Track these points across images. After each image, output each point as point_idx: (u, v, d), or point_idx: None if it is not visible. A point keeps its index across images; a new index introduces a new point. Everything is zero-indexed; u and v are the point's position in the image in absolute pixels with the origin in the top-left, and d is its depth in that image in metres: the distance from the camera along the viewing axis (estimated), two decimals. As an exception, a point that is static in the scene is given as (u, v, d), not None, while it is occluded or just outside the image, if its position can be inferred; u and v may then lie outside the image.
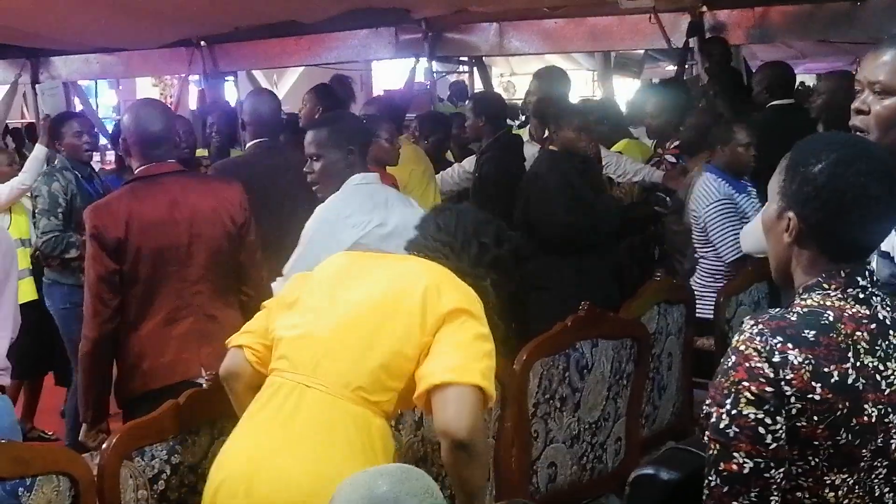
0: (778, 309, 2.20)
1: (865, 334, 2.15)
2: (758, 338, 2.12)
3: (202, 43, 10.62)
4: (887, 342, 2.17)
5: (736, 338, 2.17)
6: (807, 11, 8.13)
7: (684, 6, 8.35)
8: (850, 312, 2.16)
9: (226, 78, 11.53)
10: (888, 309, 2.20)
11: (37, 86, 11.94)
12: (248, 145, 5.87)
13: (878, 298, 2.20)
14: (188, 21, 9.75)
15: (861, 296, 2.18)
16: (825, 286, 2.19)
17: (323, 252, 4.40)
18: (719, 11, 8.43)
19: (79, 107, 12.24)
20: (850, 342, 2.13)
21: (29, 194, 7.01)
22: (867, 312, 2.17)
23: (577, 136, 6.07)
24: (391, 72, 15.78)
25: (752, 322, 2.17)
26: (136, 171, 4.51)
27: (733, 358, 2.14)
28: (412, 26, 9.58)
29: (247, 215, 4.64)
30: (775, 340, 2.11)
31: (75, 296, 5.99)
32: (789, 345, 2.10)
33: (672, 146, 7.01)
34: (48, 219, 6.62)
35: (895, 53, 2.75)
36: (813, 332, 2.12)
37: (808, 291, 2.21)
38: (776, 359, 2.09)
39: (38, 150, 7.31)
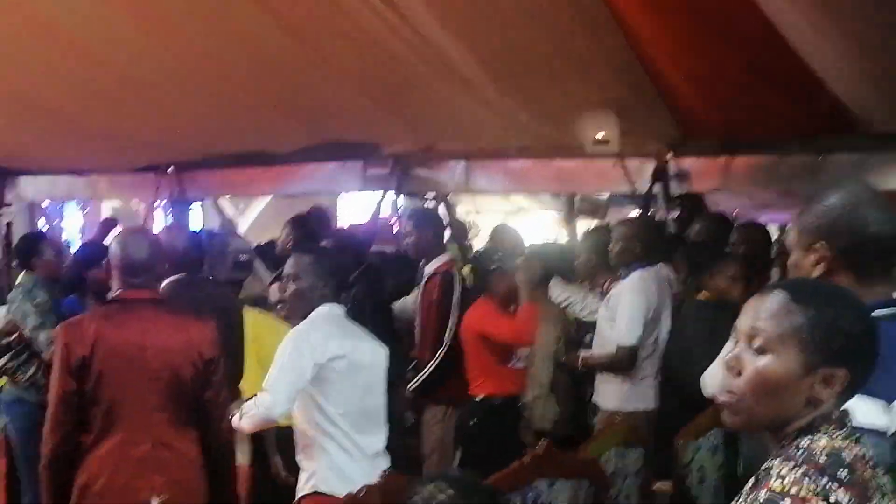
0: (799, 451, 2.19)
1: (876, 474, 2.18)
2: (806, 480, 2.11)
3: (170, 169, 10.61)
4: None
5: (776, 483, 2.14)
6: (772, 162, 8.22)
7: (650, 152, 8.44)
8: (858, 453, 2.19)
9: (191, 206, 11.50)
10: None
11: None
12: (164, 282, 5.86)
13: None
14: (156, 146, 9.79)
15: (856, 436, 2.22)
16: (824, 427, 2.22)
17: (295, 375, 4.56)
18: (684, 159, 8.52)
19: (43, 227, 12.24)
20: (869, 482, 2.15)
21: None
22: (867, 453, 2.21)
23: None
24: (357, 204, 15.85)
25: (789, 465, 2.16)
26: (112, 295, 4.57)
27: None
28: (380, 161, 9.64)
29: (216, 353, 4.68)
30: (823, 481, 2.10)
31: (37, 415, 5.90)
32: (834, 485, 2.10)
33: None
34: (48, 331, 6.60)
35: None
36: (846, 472, 2.12)
37: (808, 434, 2.22)
38: (832, 499, 2.08)
39: None
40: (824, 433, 2.20)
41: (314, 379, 4.80)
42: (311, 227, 7.64)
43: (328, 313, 4.97)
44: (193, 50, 6.86)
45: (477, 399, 7.18)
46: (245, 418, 4.81)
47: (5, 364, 6.93)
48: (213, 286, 6.87)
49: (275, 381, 4.77)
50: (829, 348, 2.20)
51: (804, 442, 2.20)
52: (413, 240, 7.42)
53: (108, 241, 6.40)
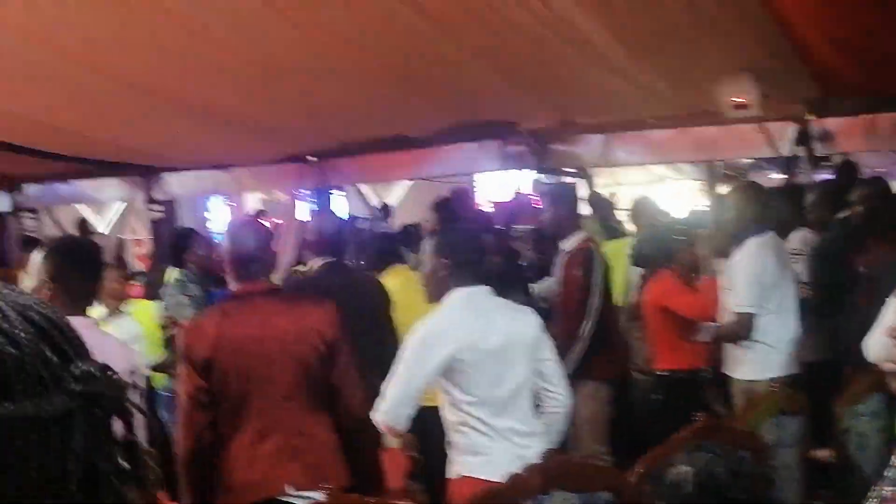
0: None
1: None
2: None
3: (311, 158, 10.75)
4: None
5: None
6: (918, 118, 8.05)
7: (790, 115, 8.31)
8: None
9: (332, 192, 11.64)
10: None
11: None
12: (311, 262, 5.97)
13: None
14: (298, 136, 9.94)
15: None
16: None
17: (417, 369, 4.54)
18: (826, 119, 8.37)
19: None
20: None
21: None
22: None
23: None
24: (496, 183, 15.88)
25: None
26: (231, 289, 4.62)
27: None
28: (518, 138, 9.64)
29: (338, 334, 4.67)
30: None
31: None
32: None
33: None
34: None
35: None
36: None
37: None
38: None
39: None
40: None
41: (446, 370, 4.73)
42: (453, 209, 7.66)
43: (465, 297, 4.86)
44: (331, 37, 6.94)
45: (659, 373, 7.20)
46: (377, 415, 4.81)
47: (165, 359, 7.12)
48: (358, 270, 6.96)
49: (391, 385, 4.72)
50: None
51: None
52: (549, 217, 7.35)
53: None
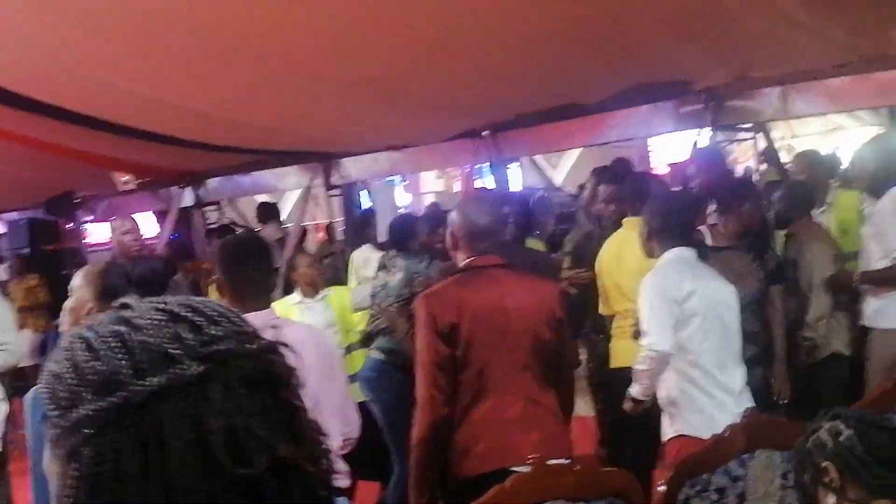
0: None
1: None
2: None
3: (485, 133, 10.79)
4: None
5: None
6: None
7: (976, 53, 8.04)
8: None
9: (508, 167, 11.67)
10: None
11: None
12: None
13: None
14: (471, 112, 10.00)
15: None
16: None
17: (666, 311, 4.69)
18: None
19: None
20: None
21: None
22: None
23: None
24: (669, 145, 15.73)
25: None
26: (462, 264, 4.68)
27: None
28: (693, 97, 9.52)
29: (564, 313, 4.78)
30: None
31: (404, 387, 6.11)
32: None
33: None
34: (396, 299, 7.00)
35: None
36: None
37: None
38: None
39: None
40: None
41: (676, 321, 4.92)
42: (616, 176, 7.65)
43: (676, 258, 5.06)
44: (496, 7, 6.96)
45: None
46: (639, 372, 4.96)
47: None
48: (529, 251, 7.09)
49: (649, 320, 4.91)
50: None
51: None
52: (701, 181, 7.31)
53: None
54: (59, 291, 7.99)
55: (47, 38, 7.42)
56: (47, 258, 14.01)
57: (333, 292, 7.83)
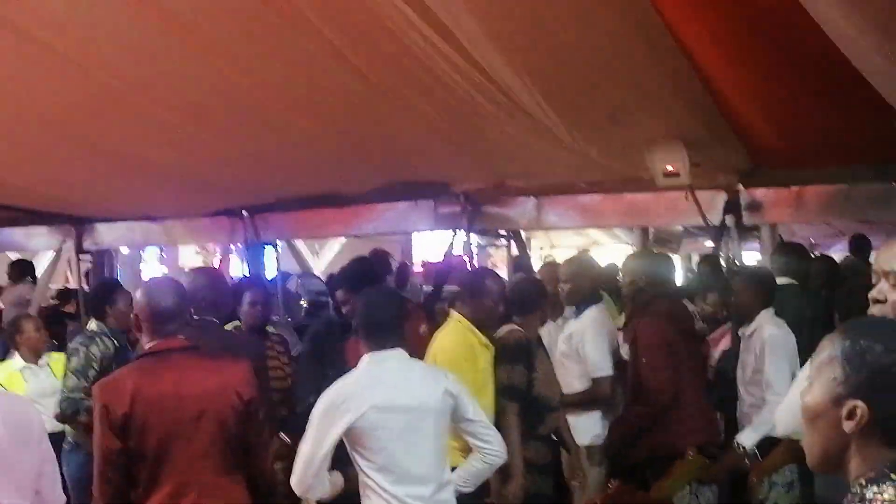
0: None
1: None
2: None
3: (244, 213, 10.72)
4: None
5: None
6: (842, 192, 8.17)
7: (721, 184, 8.41)
8: None
9: (265, 246, 11.59)
10: None
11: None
12: None
13: None
14: (231, 191, 9.91)
15: None
16: (893, 477, 2.13)
17: (322, 434, 4.53)
18: (755, 190, 8.48)
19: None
20: None
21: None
22: None
23: None
24: (432, 241, 15.90)
25: None
26: (145, 347, 4.56)
27: None
28: (451, 199, 9.68)
29: (254, 393, 4.66)
30: None
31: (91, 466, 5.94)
32: None
33: None
34: (77, 379, 6.68)
35: None
36: None
37: (876, 483, 2.14)
38: None
39: None
40: (891, 484, 2.15)
41: (351, 434, 4.71)
42: (372, 267, 7.64)
43: (374, 361, 4.86)
44: (265, 93, 6.94)
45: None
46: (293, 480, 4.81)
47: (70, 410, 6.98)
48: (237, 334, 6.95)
49: (300, 451, 4.73)
50: (854, 380, 2.17)
51: (870, 493, 2.16)
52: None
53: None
54: None
55: None
56: None
57: (56, 358, 7.55)
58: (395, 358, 4.88)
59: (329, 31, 5.71)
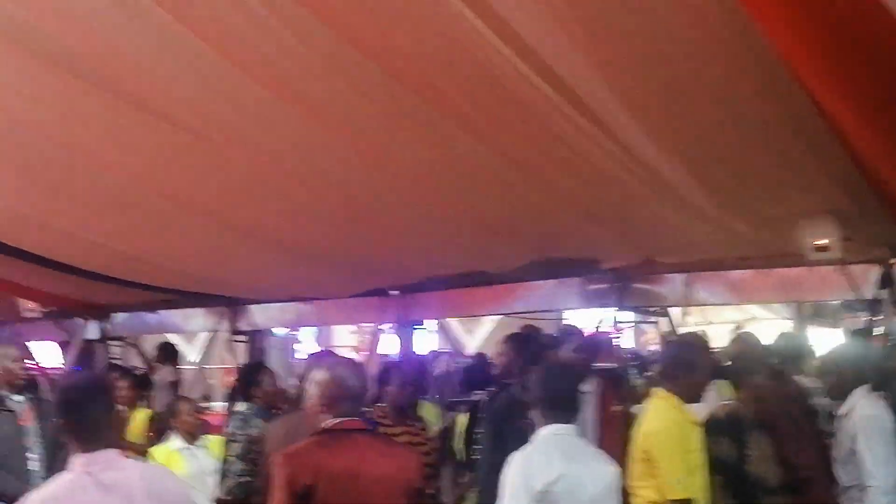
0: None
1: None
2: None
3: (395, 293, 10.84)
4: None
5: None
6: None
7: (873, 258, 8.23)
8: None
9: (416, 326, 11.69)
10: None
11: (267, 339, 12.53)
12: None
13: None
14: (381, 272, 10.05)
15: None
16: None
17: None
18: (910, 263, 8.28)
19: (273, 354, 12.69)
20: None
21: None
22: None
23: None
24: (583, 318, 15.80)
25: None
26: (324, 425, 4.63)
27: None
28: (600, 276, 9.65)
29: (423, 483, 4.75)
30: None
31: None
32: None
33: None
34: (243, 464, 6.82)
35: None
36: None
37: None
38: None
39: None
40: None
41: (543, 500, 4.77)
42: (525, 344, 7.65)
43: (550, 435, 4.94)
44: (414, 177, 7.06)
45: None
46: None
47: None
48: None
49: None
50: None
51: None
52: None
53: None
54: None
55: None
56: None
57: (213, 439, 7.71)
58: (573, 433, 5.00)
59: (472, 112, 5.81)
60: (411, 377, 7.57)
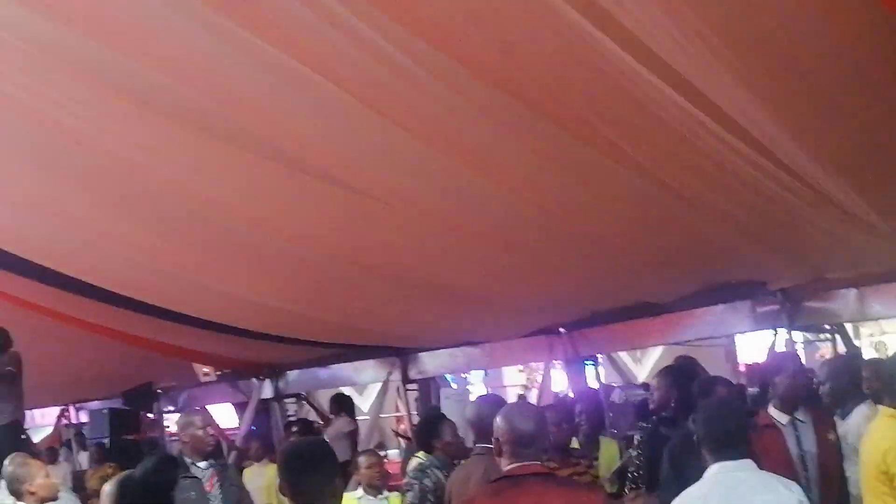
0: None
1: None
2: None
3: (561, 330, 10.82)
4: None
5: None
6: None
7: None
8: None
9: (586, 362, 11.64)
10: None
11: (442, 391, 12.63)
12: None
13: None
14: (548, 311, 10.06)
15: None
16: None
17: None
18: None
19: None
20: None
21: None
22: None
23: None
24: (754, 341, 15.55)
25: None
26: (504, 470, 4.60)
27: None
28: (769, 297, 9.49)
29: None
30: None
31: None
32: None
33: None
34: None
35: None
36: None
37: None
38: None
39: None
40: None
41: None
42: (680, 376, 7.52)
43: (724, 471, 4.79)
44: (574, 214, 7.08)
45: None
46: None
47: None
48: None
49: None
50: None
51: None
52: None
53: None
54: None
55: (131, 241, 7.69)
56: (127, 448, 14.10)
57: (395, 495, 7.75)
58: (745, 469, 4.80)
59: (629, 145, 5.80)
60: (569, 415, 7.52)
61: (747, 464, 4.79)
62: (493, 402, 5.90)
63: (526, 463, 4.55)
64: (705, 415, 4.98)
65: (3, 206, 7.55)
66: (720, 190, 6.51)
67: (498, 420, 4.68)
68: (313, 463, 4.20)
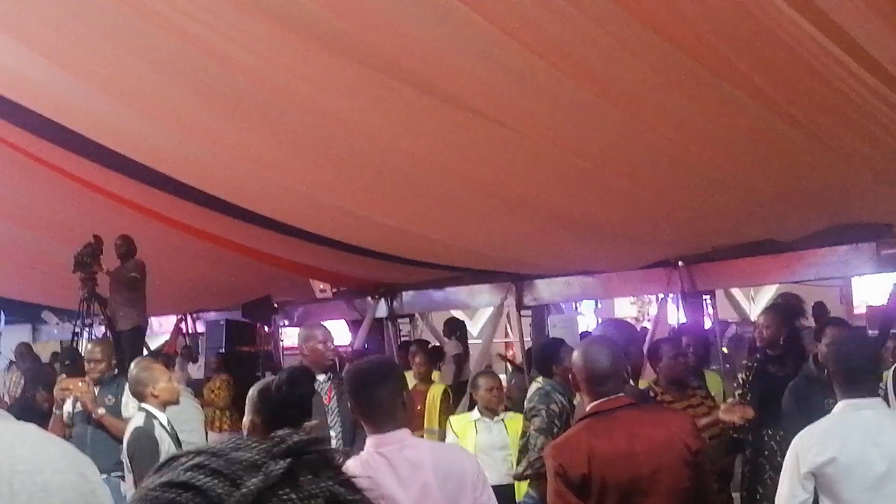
0: None
1: None
2: None
3: (680, 263, 10.78)
4: None
5: None
6: None
7: None
8: None
9: (703, 297, 11.58)
10: None
11: (550, 317, 12.71)
12: None
13: None
14: (667, 244, 10.02)
15: None
16: None
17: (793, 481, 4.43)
18: None
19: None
20: None
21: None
22: None
23: None
24: (872, 284, 15.31)
25: None
26: (588, 408, 4.62)
27: None
28: (893, 240, 9.35)
29: (700, 444, 4.63)
30: None
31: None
32: None
33: None
34: (546, 438, 6.91)
35: None
36: None
37: None
38: None
39: None
40: None
41: (818, 479, 4.59)
42: (787, 314, 7.44)
43: (850, 408, 4.71)
44: (696, 146, 7.03)
45: None
46: None
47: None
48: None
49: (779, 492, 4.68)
50: None
51: None
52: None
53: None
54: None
55: (259, 156, 7.84)
56: (242, 359, 14.40)
57: (512, 417, 7.84)
58: (873, 408, 4.70)
59: (761, 80, 5.74)
60: (685, 349, 7.47)
61: (876, 402, 4.72)
62: (620, 328, 5.91)
63: (612, 397, 4.57)
64: (838, 350, 4.90)
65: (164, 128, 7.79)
66: (853, 129, 6.43)
67: (575, 356, 4.69)
68: (379, 380, 4.27)
